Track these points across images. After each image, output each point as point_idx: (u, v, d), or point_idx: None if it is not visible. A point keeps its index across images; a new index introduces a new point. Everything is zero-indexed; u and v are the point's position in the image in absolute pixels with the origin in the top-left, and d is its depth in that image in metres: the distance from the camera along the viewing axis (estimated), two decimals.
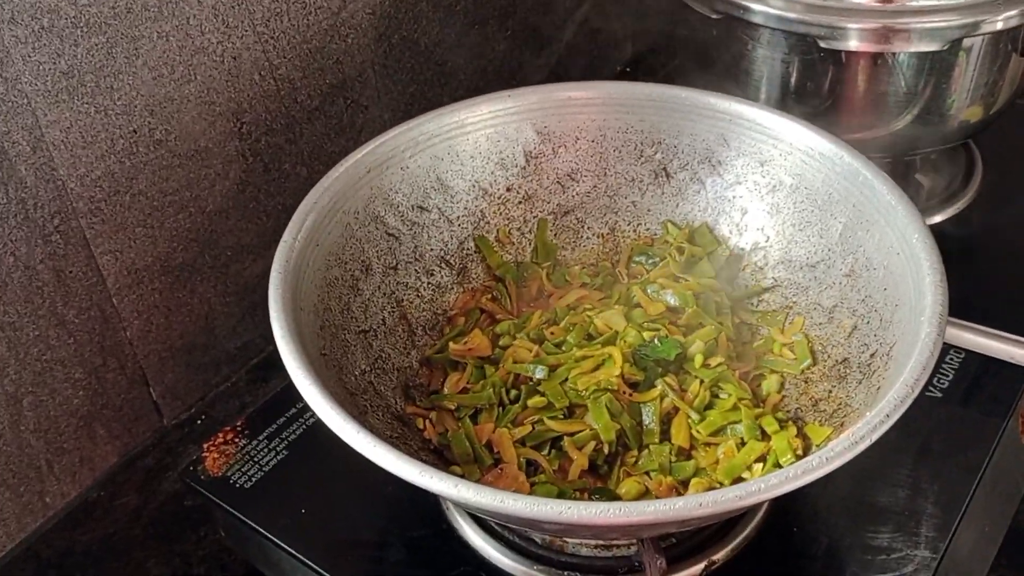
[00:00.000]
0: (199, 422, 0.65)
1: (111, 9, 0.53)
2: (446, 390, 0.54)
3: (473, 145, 0.59)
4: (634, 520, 0.38)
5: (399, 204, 0.57)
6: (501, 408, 0.52)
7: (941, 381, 0.59)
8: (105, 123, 0.55)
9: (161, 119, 0.58)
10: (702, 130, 0.58)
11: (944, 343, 0.58)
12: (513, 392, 0.52)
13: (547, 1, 0.84)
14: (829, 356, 0.53)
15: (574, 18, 0.88)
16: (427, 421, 0.52)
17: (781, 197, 0.57)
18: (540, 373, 0.52)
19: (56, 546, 0.59)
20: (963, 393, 0.59)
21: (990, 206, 0.74)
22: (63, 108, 0.52)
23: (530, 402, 0.51)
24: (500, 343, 0.55)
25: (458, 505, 0.46)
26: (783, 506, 0.53)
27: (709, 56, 0.67)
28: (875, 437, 0.40)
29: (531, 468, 0.50)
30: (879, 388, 0.46)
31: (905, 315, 0.47)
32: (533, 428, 0.50)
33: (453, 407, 0.52)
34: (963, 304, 0.59)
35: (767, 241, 0.58)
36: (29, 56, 0.50)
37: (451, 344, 0.55)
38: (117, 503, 0.61)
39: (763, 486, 0.38)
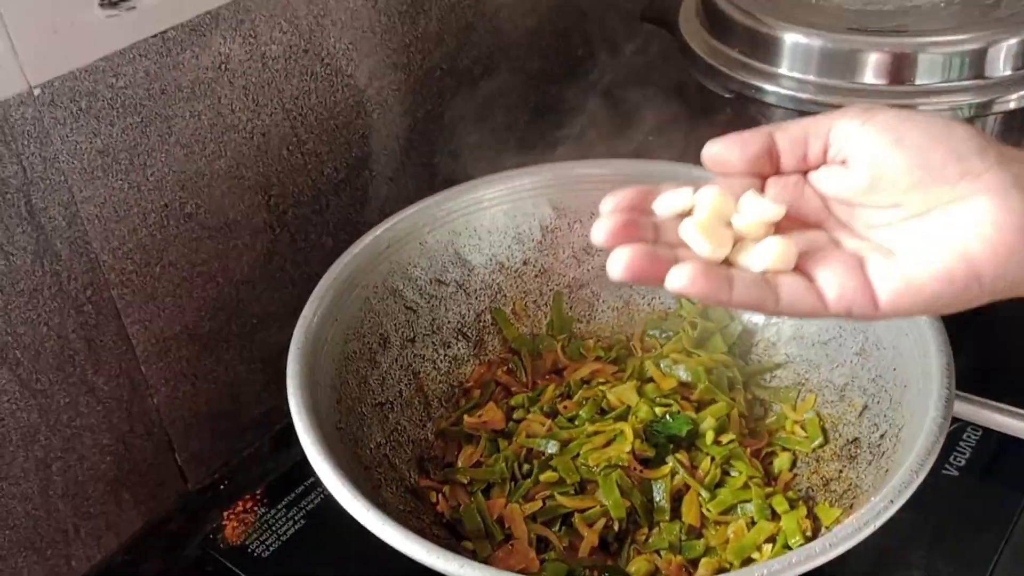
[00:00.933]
0: (223, 487, 0.66)
1: (146, 91, 0.55)
2: (460, 463, 0.54)
3: (491, 220, 0.60)
4: None
5: (417, 278, 0.58)
6: (513, 483, 0.52)
7: (957, 459, 0.59)
8: (138, 198, 0.57)
9: (192, 193, 0.60)
10: None
11: (961, 420, 0.58)
12: (526, 466, 0.53)
13: (569, 74, 0.87)
14: (840, 435, 0.53)
15: (596, 89, 0.90)
16: (440, 495, 0.53)
17: None
18: (552, 448, 0.53)
19: None
20: (980, 471, 0.58)
21: None
22: (98, 184, 0.55)
23: (542, 477, 0.52)
24: (514, 416, 0.56)
25: None
26: None
27: (722, 134, 0.68)
28: (879, 522, 0.40)
29: (542, 544, 0.50)
30: (887, 471, 0.46)
31: (913, 397, 0.47)
32: (544, 504, 0.50)
33: (466, 481, 0.53)
34: (981, 379, 0.59)
35: (779, 317, 0.58)
36: (67, 136, 0.53)
37: (466, 417, 0.56)
38: (141, 568, 0.62)
39: (766, 572, 0.39)
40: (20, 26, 0.48)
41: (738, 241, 0.37)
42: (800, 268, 0.37)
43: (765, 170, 0.39)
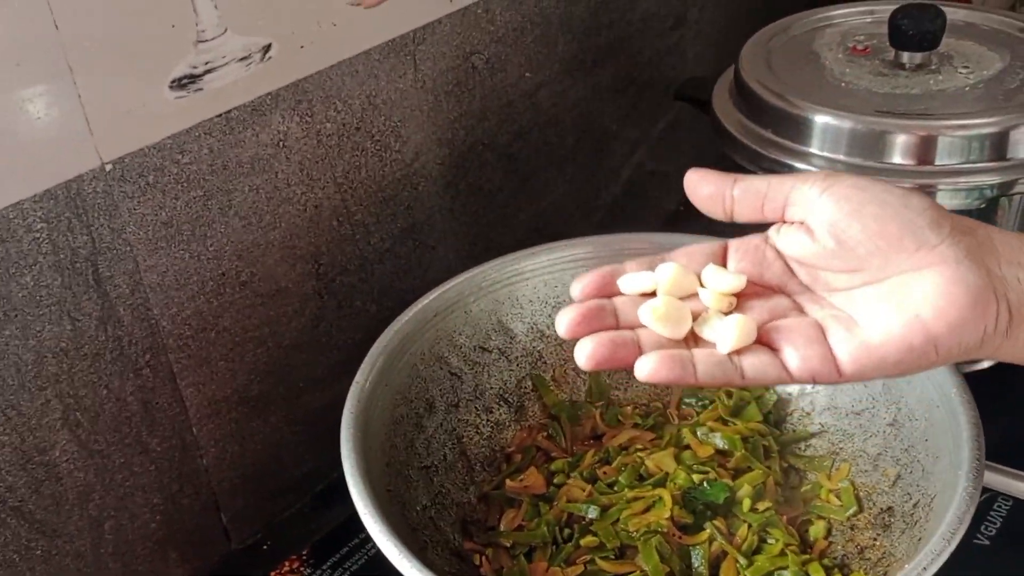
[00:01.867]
0: (265, 547, 0.68)
1: (209, 166, 0.58)
2: (502, 527, 0.56)
3: (532, 290, 0.63)
4: None
5: (462, 345, 0.60)
6: (555, 546, 0.54)
7: (988, 529, 0.60)
8: (197, 267, 0.60)
9: (247, 262, 0.62)
10: None
11: (991, 490, 0.59)
12: (567, 531, 0.54)
13: (603, 148, 0.90)
14: (875, 504, 0.54)
15: (630, 161, 0.93)
16: (483, 557, 0.54)
17: None
18: (592, 513, 0.54)
19: None
20: (1011, 541, 0.59)
21: None
22: (161, 254, 0.57)
23: (583, 541, 0.53)
24: (555, 481, 0.58)
25: None
26: None
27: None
28: None
29: None
30: (920, 539, 0.47)
31: (945, 467, 0.48)
32: (585, 568, 0.52)
33: (509, 544, 0.54)
34: (1011, 451, 0.60)
35: (813, 387, 0.60)
36: (134, 209, 0.55)
37: (508, 481, 0.58)
38: None
39: None
40: (96, 106, 0.51)
41: (700, 315, 0.39)
42: (763, 340, 0.38)
43: (718, 212, 0.42)
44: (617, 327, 0.39)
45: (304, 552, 0.61)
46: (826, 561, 0.53)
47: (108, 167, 0.53)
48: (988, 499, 0.61)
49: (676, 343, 0.38)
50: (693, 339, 0.39)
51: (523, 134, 0.80)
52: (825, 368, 0.37)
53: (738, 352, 0.38)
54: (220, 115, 0.57)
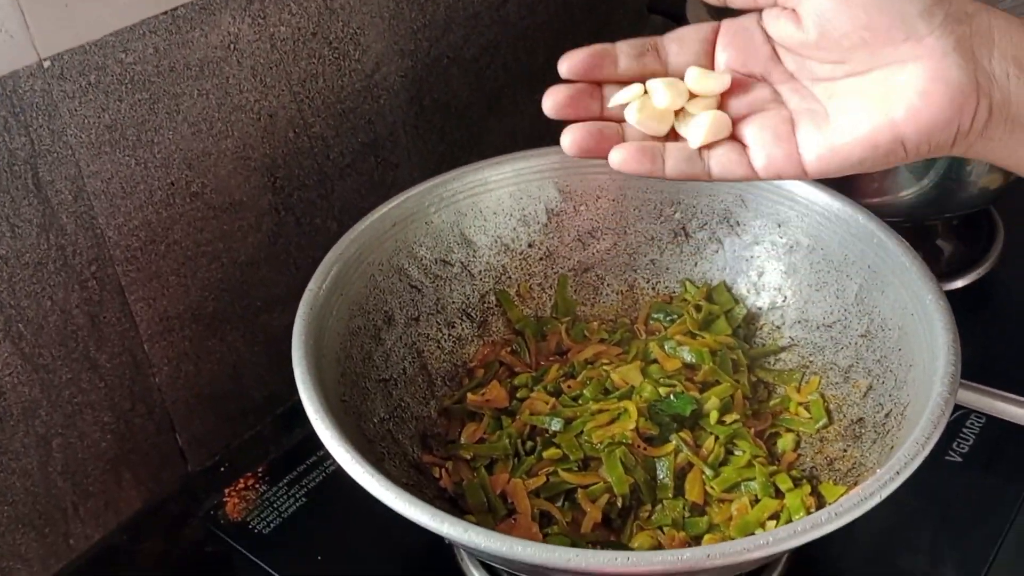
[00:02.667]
0: (223, 469, 0.66)
1: (155, 67, 0.55)
2: (463, 440, 0.54)
3: (496, 202, 0.60)
4: (643, 570, 0.39)
5: (423, 257, 0.58)
6: (516, 459, 0.52)
7: (961, 446, 0.59)
8: (144, 175, 0.57)
9: (198, 172, 0.60)
10: (721, 191, 0.59)
11: (965, 407, 0.58)
12: (529, 443, 0.53)
13: None
14: (844, 416, 0.53)
15: None
16: (443, 470, 0.53)
17: (798, 258, 0.58)
18: (556, 425, 0.53)
19: None
20: (984, 459, 0.58)
21: (1011, 272, 0.74)
22: (105, 160, 0.55)
23: (545, 454, 0.52)
24: (517, 395, 0.56)
25: (470, 552, 0.46)
26: (803, 566, 0.53)
27: None
28: (885, 494, 0.40)
29: (545, 520, 0.50)
30: (892, 447, 0.46)
31: (919, 375, 0.47)
32: (548, 479, 0.50)
33: (469, 457, 0.53)
34: (983, 370, 0.59)
35: (784, 301, 0.58)
36: (76, 110, 0.53)
37: (469, 395, 0.56)
38: (140, 548, 0.62)
39: (771, 539, 0.39)
40: None
41: (682, 111, 0.40)
42: (736, 135, 0.39)
43: None
44: (602, 115, 0.40)
45: (260, 469, 0.59)
46: (794, 472, 0.52)
47: (46, 64, 0.51)
48: (961, 416, 0.60)
49: (656, 140, 0.40)
50: (673, 136, 0.40)
51: (491, 48, 0.77)
52: (790, 166, 0.38)
53: (709, 147, 0.39)
54: (166, 12, 0.55)
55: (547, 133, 0.81)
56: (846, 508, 0.39)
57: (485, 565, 0.53)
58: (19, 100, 0.50)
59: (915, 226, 0.70)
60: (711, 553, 0.38)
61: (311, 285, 0.51)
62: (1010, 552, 0.55)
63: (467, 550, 0.45)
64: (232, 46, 0.59)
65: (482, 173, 0.60)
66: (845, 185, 0.58)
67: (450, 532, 0.40)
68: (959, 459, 0.58)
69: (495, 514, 0.50)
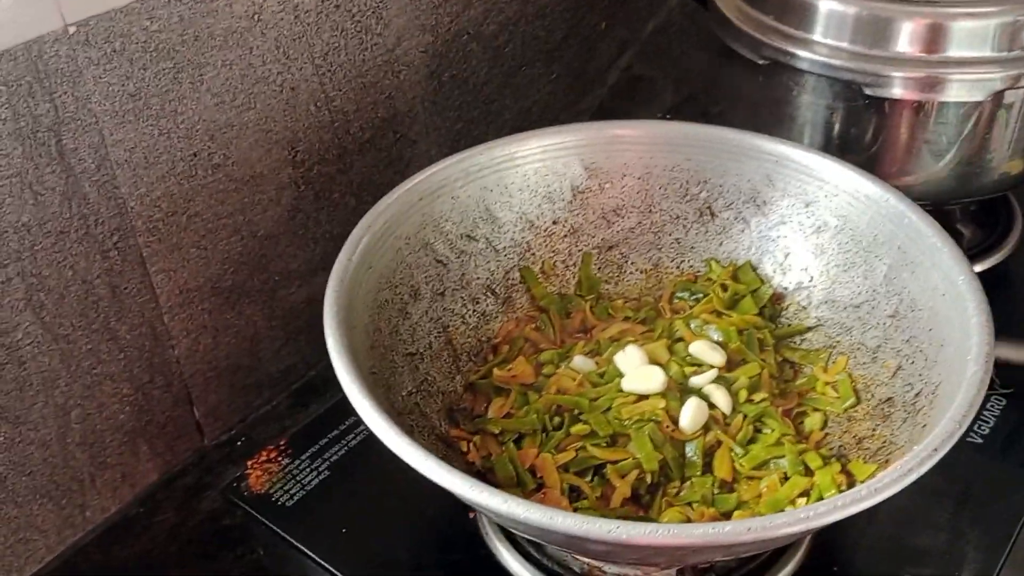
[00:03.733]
0: (239, 443, 0.66)
1: (180, 36, 0.55)
2: (490, 415, 0.54)
3: (522, 178, 0.60)
4: (683, 542, 0.39)
5: (448, 232, 0.58)
6: (544, 434, 0.52)
7: (982, 427, 0.59)
8: (167, 145, 0.56)
9: (220, 144, 0.59)
10: (748, 170, 0.59)
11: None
12: (556, 419, 0.53)
13: (592, 47, 0.86)
14: (873, 395, 0.53)
15: (618, 64, 0.90)
16: (471, 444, 0.52)
17: (826, 238, 0.57)
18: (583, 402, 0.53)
19: (94, 560, 0.59)
20: (1004, 440, 0.59)
21: None
22: (128, 128, 0.54)
23: (573, 429, 0.51)
24: (544, 371, 0.56)
25: (505, 523, 0.46)
26: (824, 545, 0.53)
27: (753, 102, 0.68)
28: (923, 470, 0.40)
29: (573, 494, 0.50)
30: (924, 426, 0.46)
31: (950, 355, 0.47)
32: (576, 454, 0.50)
33: (497, 431, 0.53)
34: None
35: (811, 281, 0.58)
36: (100, 77, 0.52)
37: (495, 370, 0.56)
38: (156, 520, 0.62)
39: (812, 514, 0.39)
40: None
41: None
42: None
43: None
44: None
45: (282, 442, 0.59)
46: (823, 451, 0.52)
47: (72, 29, 0.50)
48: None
49: None
50: None
51: (509, 25, 0.77)
52: None
53: None
54: None
55: (561, 111, 0.81)
56: (886, 483, 0.39)
57: (510, 539, 0.53)
58: (44, 66, 0.49)
59: (934, 210, 0.70)
60: (751, 527, 0.38)
61: (341, 257, 0.51)
62: None
63: (502, 521, 0.45)
64: (256, 16, 0.58)
65: (508, 148, 0.59)
66: (867, 168, 0.58)
67: (489, 503, 0.39)
68: (980, 440, 0.59)
69: (524, 487, 0.50)
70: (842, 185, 0.56)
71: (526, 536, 0.50)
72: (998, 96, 0.61)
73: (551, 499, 0.48)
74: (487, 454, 0.52)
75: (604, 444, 0.51)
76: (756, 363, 0.55)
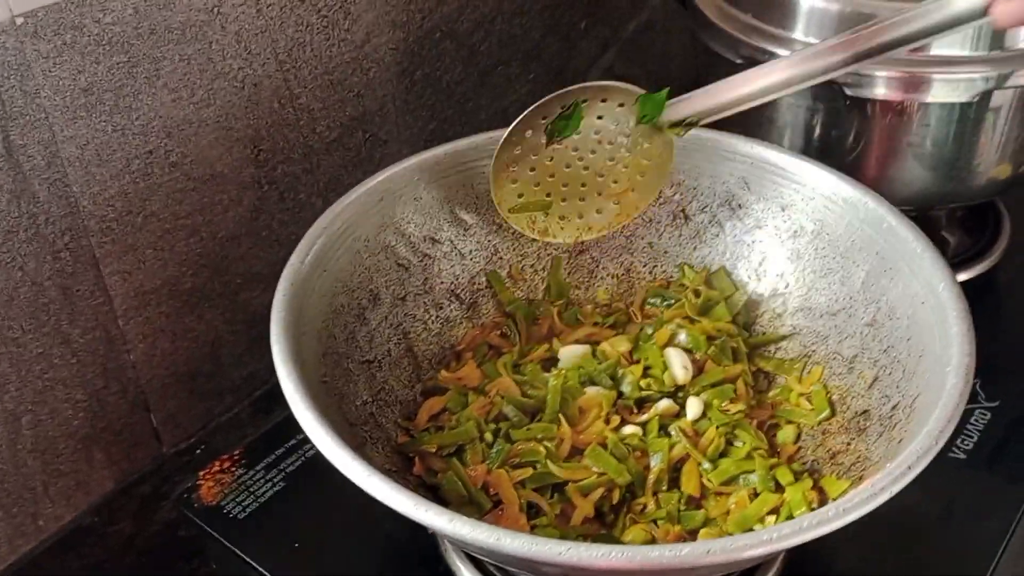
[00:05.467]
0: (199, 451, 0.64)
1: (134, 29, 0.53)
2: (420, 415, 0.52)
3: (488, 178, 0.58)
4: (638, 565, 0.36)
5: (411, 235, 0.56)
6: (486, 444, 0.50)
7: (965, 443, 0.57)
8: (121, 142, 0.55)
9: (178, 141, 0.57)
10: (723, 172, 0.57)
11: (969, 404, 0.56)
12: (491, 426, 0.50)
13: (571, 47, 0.85)
14: (848, 407, 0.51)
15: (598, 64, 0.88)
16: (415, 459, 0.50)
17: (802, 243, 0.55)
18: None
19: (47, 570, 0.58)
20: (988, 455, 0.57)
21: (1016, 266, 0.72)
22: (80, 124, 0.52)
23: (516, 434, 0.49)
24: (487, 373, 0.54)
25: (454, 543, 0.44)
26: (799, 563, 0.51)
27: None
28: (895, 490, 0.38)
29: (531, 511, 0.48)
30: (900, 440, 0.44)
31: (930, 366, 0.45)
32: (535, 469, 0.48)
33: (433, 449, 0.50)
34: (988, 363, 0.57)
35: (787, 287, 0.56)
36: (50, 71, 0.50)
37: (443, 372, 0.54)
38: (111, 530, 0.60)
39: (775, 535, 0.37)
40: None
41: None
42: None
43: None
44: None
45: (237, 452, 0.56)
46: (795, 466, 0.49)
47: (19, 20, 0.48)
48: (966, 412, 0.58)
49: None
50: None
51: (485, 23, 0.75)
52: None
53: None
54: None
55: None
56: (855, 504, 0.37)
57: (469, 556, 0.51)
58: None
59: (920, 216, 0.68)
60: (711, 549, 0.36)
61: (293, 259, 0.49)
62: (1016, 551, 0.53)
63: (451, 541, 0.43)
64: (216, 10, 0.56)
65: (474, 148, 0.57)
66: (849, 171, 0.56)
67: (434, 522, 0.37)
68: (963, 456, 0.56)
69: (479, 508, 0.47)
70: (819, 188, 0.54)
71: (480, 556, 0.48)
72: (984, 98, 0.59)
73: (509, 517, 0.46)
74: (430, 468, 0.49)
75: (558, 461, 0.48)
76: (735, 368, 0.53)
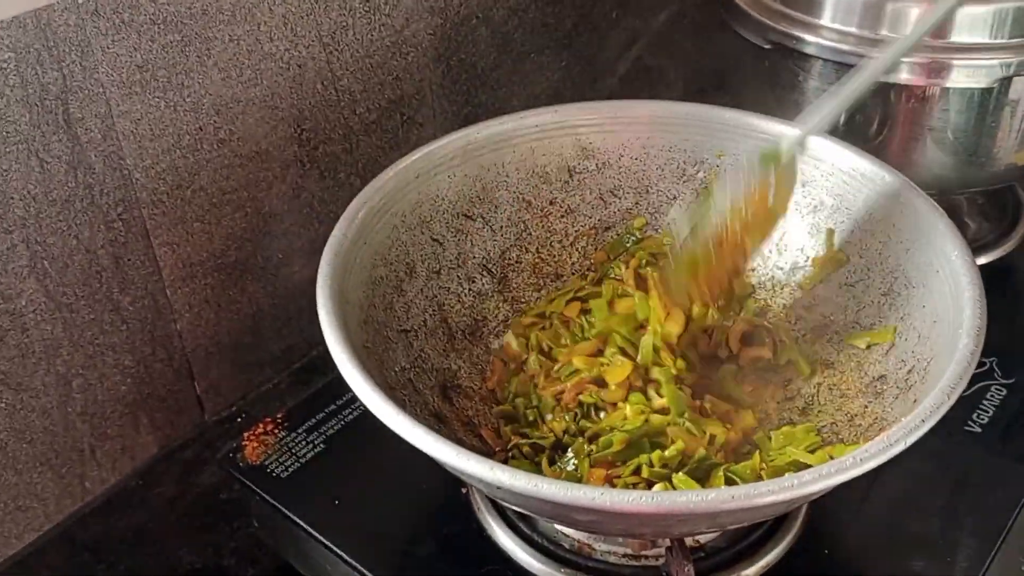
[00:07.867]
0: (239, 420, 0.66)
1: (187, 9, 0.55)
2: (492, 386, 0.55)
3: (519, 158, 0.60)
4: (668, 509, 0.38)
5: (445, 211, 0.58)
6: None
7: (981, 416, 0.59)
8: (173, 118, 0.57)
9: (226, 119, 0.60)
10: (744, 150, 0.59)
11: (985, 380, 0.58)
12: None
13: (602, 37, 0.87)
14: (866, 374, 0.53)
15: (629, 54, 0.90)
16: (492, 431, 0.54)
17: (822, 217, 0.57)
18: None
19: (92, 531, 0.60)
20: (1003, 430, 0.58)
21: None
22: (135, 100, 0.55)
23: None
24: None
25: (492, 492, 0.46)
26: (816, 527, 0.53)
27: (759, 87, 0.68)
28: (911, 440, 0.40)
29: None
30: (915, 401, 0.46)
31: (943, 330, 0.47)
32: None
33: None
34: (1007, 348, 0.59)
35: (806, 261, 0.58)
36: (108, 47, 0.53)
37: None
38: (154, 492, 0.62)
39: (796, 482, 0.38)
40: None
41: None
42: None
43: None
44: None
45: (279, 415, 0.59)
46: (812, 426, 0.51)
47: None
48: (982, 388, 0.60)
49: None
50: None
51: (519, 11, 0.77)
52: None
53: None
54: None
55: (569, 100, 0.81)
56: (872, 453, 0.39)
57: (502, 514, 0.53)
58: (52, 34, 0.50)
59: (940, 202, 0.70)
60: (735, 494, 0.38)
61: (336, 231, 0.51)
62: None
63: (488, 490, 0.45)
64: None
65: (505, 127, 0.59)
66: (872, 154, 0.57)
67: (475, 470, 0.39)
68: (978, 429, 0.58)
69: None
70: (838, 164, 0.56)
71: (516, 509, 0.50)
72: (1005, 85, 0.60)
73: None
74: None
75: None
76: None
